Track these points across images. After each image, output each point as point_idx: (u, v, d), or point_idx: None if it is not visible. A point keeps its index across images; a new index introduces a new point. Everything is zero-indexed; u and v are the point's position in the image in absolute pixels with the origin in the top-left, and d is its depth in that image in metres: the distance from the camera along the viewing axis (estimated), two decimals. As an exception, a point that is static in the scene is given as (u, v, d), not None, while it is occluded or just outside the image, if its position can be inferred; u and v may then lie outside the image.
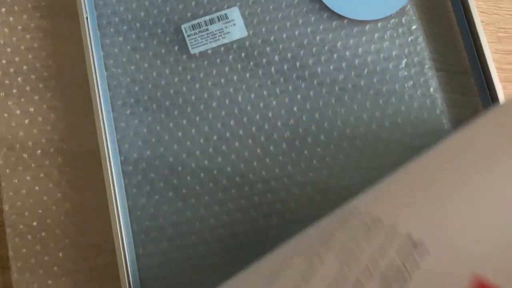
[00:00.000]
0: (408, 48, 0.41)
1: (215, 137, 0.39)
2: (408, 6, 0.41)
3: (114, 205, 0.36)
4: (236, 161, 0.39)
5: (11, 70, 0.40)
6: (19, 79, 0.40)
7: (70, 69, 0.40)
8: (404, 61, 0.40)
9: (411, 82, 0.40)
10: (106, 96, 0.39)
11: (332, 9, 0.41)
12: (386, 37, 0.41)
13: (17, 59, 0.40)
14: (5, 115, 0.40)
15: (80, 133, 0.39)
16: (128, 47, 0.41)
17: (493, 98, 0.39)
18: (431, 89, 0.40)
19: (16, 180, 0.38)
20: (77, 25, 0.41)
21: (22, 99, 0.40)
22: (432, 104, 0.40)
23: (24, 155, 0.39)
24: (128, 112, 0.40)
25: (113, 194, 0.37)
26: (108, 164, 0.37)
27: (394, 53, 0.40)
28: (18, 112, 0.40)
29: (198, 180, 0.38)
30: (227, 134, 0.39)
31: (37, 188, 0.38)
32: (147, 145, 0.39)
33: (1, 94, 0.40)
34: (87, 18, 0.39)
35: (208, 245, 0.38)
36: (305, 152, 0.39)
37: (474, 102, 0.40)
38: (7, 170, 0.39)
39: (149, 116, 0.39)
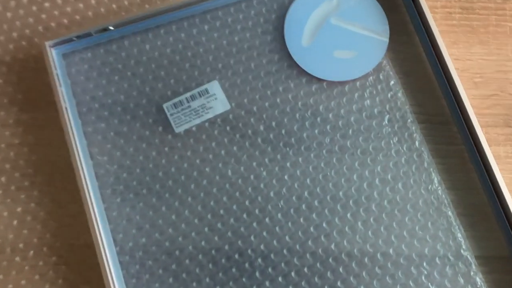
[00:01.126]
0: (389, 103, 0.41)
1: (209, 216, 0.39)
2: (384, 61, 0.42)
3: (115, 301, 0.36)
4: (233, 238, 0.38)
5: (-7, 168, 0.39)
6: (2, 179, 0.39)
7: (54, 159, 0.40)
8: (387, 117, 0.41)
9: (396, 138, 0.41)
10: (95, 186, 0.39)
11: (310, 73, 0.41)
12: (366, 95, 0.41)
13: (-2, 156, 0.40)
14: (-8, 216, 0.39)
15: (72, 227, 0.39)
16: (111, 133, 0.40)
17: (477, 144, 0.40)
18: (417, 143, 0.40)
19: (11, 286, 0.37)
20: (57, 114, 0.40)
21: (8, 200, 0.39)
22: (419, 158, 0.40)
23: (16, 258, 0.38)
24: (118, 200, 0.39)
25: (112, 287, 0.36)
26: (104, 257, 0.36)
27: (376, 110, 0.41)
28: (5, 214, 0.39)
29: (197, 263, 0.38)
30: (221, 211, 0.39)
31: (33, 291, 0.37)
32: (141, 232, 0.38)
33: (-15, 194, 0.39)
34: (66, 108, 0.39)
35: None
36: (301, 220, 0.39)
37: (460, 151, 0.41)
38: (0, 276, 0.37)
39: (140, 201, 0.39)
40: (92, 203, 0.37)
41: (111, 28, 0.41)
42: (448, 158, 0.40)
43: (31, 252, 0.38)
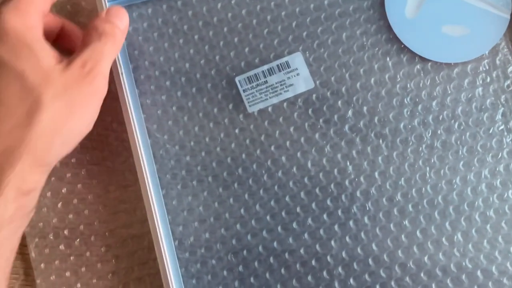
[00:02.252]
0: (505, 94, 0.34)
1: (283, 213, 0.33)
2: (502, 43, 0.35)
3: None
4: (310, 242, 0.33)
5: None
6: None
7: (106, 134, 0.34)
8: (501, 110, 0.34)
9: (510, 137, 0.34)
10: (153, 169, 0.33)
11: (413, 50, 0.34)
12: (478, 82, 0.34)
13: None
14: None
15: (124, 214, 0.33)
16: (173, 108, 0.34)
17: None
18: (535, 144, 0.34)
19: (53, 277, 0.33)
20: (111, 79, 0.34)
21: (52, 178, 0.33)
22: (536, 162, 0.34)
23: (60, 246, 0.33)
24: (179, 187, 0.33)
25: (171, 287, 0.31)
26: (162, 252, 0.31)
27: (488, 101, 0.34)
28: (48, 194, 0.33)
29: (267, 266, 0.33)
30: (297, 209, 0.33)
31: (78, 285, 0.32)
32: (204, 226, 0.33)
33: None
34: (122, 74, 0.33)
35: None
36: (391, 226, 0.33)
37: None
38: (42, 265, 0.33)
39: (204, 190, 0.33)
40: (150, 189, 0.32)
41: (178, -20, 0.34)
42: None
43: (77, 240, 0.33)
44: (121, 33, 0.30)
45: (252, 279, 0.33)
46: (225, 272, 0.33)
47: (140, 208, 0.33)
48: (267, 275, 0.33)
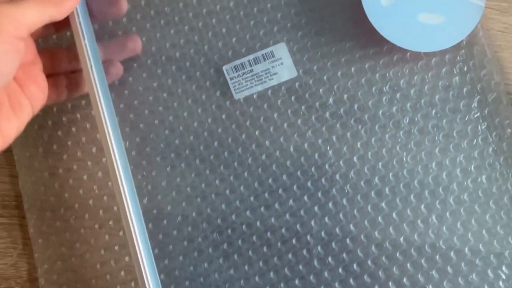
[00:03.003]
0: (481, 83, 0.36)
1: (266, 195, 0.35)
2: (480, 33, 0.36)
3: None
4: (291, 221, 0.35)
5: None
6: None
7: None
8: (477, 98, 0.35)
9: (485, 124, 0.35)
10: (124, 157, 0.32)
11: (392, 41, 0.36)
12: (455, 71, 0.36)
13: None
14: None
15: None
16: (164, 94, 0.36)
17: None
18: (508, 131, 0.35)
19: (50, 251, 0.35)
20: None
21: (50, 159, 0.36)
22: (509, 148, 0.35)
23: (57, 223, 0.35)
24: (168, 168, 0.35)
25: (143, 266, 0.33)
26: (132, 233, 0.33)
27: (465, 90, 0.36)
28: (46, 174, 0.36)
29: (250, 244, 0.35)
30: (280, 191, 0.35)
31: (73, 259, 0.35)
32: (191, 206, 0.35)
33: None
34: (91, 67, 0.31)
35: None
36: (369, 208, 0.35)
37: (558, 144, 0.35)
38: (40, 240, 0.35)
39: (192, 172, 0.35)
40: (119, 170, 0.30)
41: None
42: (543, 151, 0.35)
43: (72, 217, 0.35)
44: None
45: (235, 256, 0.35)
46: (210, 250, 0.35)
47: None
48: (250, 252, 0.35)
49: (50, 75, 0.32)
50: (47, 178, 0.36)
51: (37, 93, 0.30)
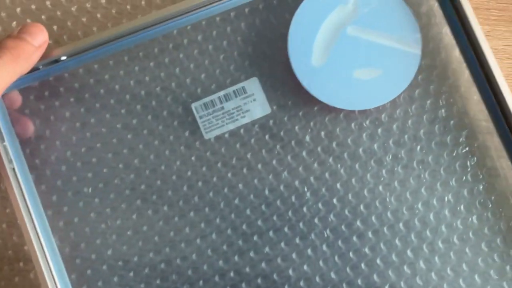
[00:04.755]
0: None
1: (240, 242, 0.33)
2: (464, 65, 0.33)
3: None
4: (267, 270, 0.32)
5: None
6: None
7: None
8: (465, 132, 0.33)
9: (475, 159, 0.33)
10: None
11: (324, 101, 0.33)
12: (441, 103, 0.33)
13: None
14: None
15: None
16: (128, 136, 0.34)
17: None
18: (500, 165, 0.33)
19: None
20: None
21: None
22: (500, 184, 0.32)
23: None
24: (134, 216, 0.33)
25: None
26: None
27: (452, 123, 0.33)
28: None
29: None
30: (255, 237, 0.33)
31: None
32: (159, 255, 0.33)
33: None
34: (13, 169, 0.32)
35: None
36: (351, 254, 0.32)
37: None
38: None
39: (160, 220, 0.33)
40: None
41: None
42: None
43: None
44: (31, 49, 0.30)
45: (208, 309, 0.32)
46: (181, 302, 0.32)
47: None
48: (224, 305, 0.32)
49: None
50: None
51: None
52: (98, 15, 0.35)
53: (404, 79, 0.32)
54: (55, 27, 0.35)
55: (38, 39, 0.30)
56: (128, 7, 0.35)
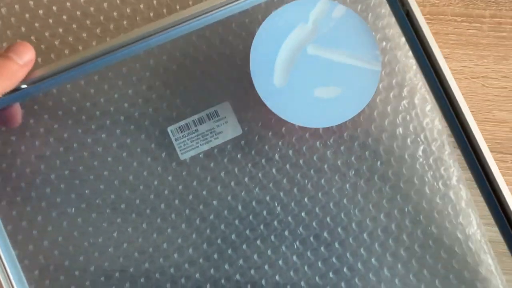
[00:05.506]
0: (424, 132, 0.36)
1: (215, 256, 0.35)
2: (420, 83, 0.36)
3: None
4: (242, 281, 0.34)
5: None
6: None
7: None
8: (421, 148, 0.36)
9: (431, 172, 0.35)
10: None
11: (291, 121, 0.34)
12: (398, 121, 0.36)
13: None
14: None
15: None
16: (109, 158, 0.36)
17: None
18: (454, 178, 0.35)
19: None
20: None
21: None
22: (455, 195, 0.35)
23: None
24: (115, 234, 0.35)
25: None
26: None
27: (408, 140, 0.36)
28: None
29: (201, 308, 0.34)
30: (229, 251, 0.35)
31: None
32: (139, 270, 0.35)
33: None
34: None
35: None
36: (319, 264, 0.34)
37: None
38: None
39: (139, 237, 0.35)
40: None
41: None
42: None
43: None
44: (14, 67, 0.31)
45: (186, 321, 0.34)
46: (160, 315, 0.34)
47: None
48: (201, 316, 0.34)
49: None
50: None
51: None
52: (84, 35, 0.37)
53: (365, 96, 0.34)
54: (43, 46, 0.37)
55: (24, 58, 0.31)
56: (125, 22, 0.37)
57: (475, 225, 0.35)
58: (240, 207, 0.35)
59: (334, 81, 0.34)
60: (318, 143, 0.36)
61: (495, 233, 0.34)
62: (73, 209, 0.35)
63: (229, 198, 0.36)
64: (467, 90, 0.40)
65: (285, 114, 0.34)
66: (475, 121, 0.33)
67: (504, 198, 0.32)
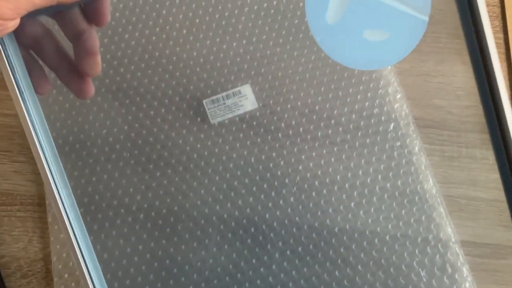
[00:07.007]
0: (395, 113, 0.48)
1: (232, 194, 0.46)
2: (392, 75, 0.49)
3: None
4: (251, 214, 0.45)
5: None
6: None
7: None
8: (392, 124, 0.48)
9: (399, 143, 0.47)
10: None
11: (334, 59, 0.35)
12: (375, 104, 0.48)
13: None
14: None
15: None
16: (155, 129, 0.48)
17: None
18: (416, 148, 0.47)
19: (63, 235, 0.45)
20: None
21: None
22: (417, 160, 0.46)
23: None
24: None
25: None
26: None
27: (383, 118, 0.48)
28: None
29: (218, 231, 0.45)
30: (243, 191, 0.46)
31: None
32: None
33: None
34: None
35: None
36: (310, 205, 0.45)
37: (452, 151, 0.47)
38: (56, 227, 0.45)
39: (176, 176, 0.47)
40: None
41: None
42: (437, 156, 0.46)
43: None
44: None
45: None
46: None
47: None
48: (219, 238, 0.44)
49: None
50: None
51: None
52: None
53: (409, 44, 0.33)
54: None
55: None
56: None
57: (431, 183, 0.46)
58: (253, 160, 0.47)
59: (383, 25, 0.34)
60: (314, 117, 0.48)
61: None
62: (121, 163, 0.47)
63: (245, 153, 0.47)
64: None
65: (332, 52, 0.34)
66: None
67: None
